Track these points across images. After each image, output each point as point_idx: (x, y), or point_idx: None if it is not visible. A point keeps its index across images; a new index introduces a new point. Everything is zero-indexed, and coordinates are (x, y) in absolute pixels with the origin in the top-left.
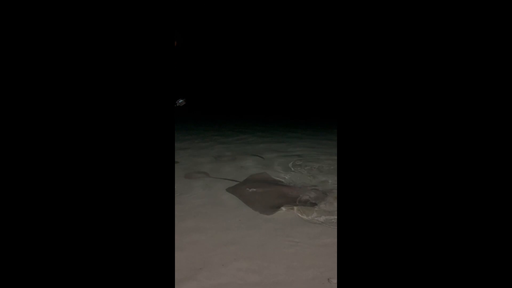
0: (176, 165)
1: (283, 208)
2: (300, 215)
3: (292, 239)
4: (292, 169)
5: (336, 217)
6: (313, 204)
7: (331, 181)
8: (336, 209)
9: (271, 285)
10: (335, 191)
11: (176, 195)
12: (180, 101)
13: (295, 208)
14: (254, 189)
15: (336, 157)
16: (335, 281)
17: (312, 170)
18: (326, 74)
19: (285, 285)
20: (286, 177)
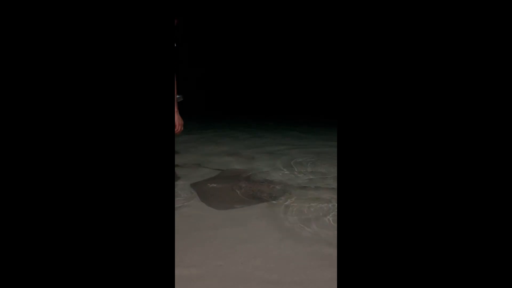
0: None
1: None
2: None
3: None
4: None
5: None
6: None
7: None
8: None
9: None
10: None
11: None
12: (177, 97)
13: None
14: (215, 185)
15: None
16: None
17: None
18: (326, 73)
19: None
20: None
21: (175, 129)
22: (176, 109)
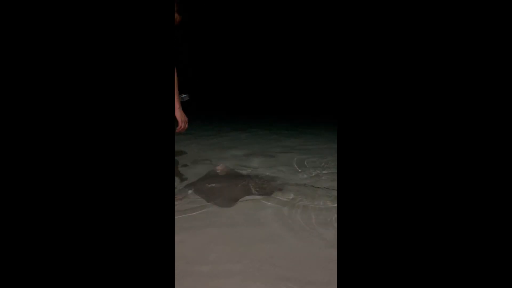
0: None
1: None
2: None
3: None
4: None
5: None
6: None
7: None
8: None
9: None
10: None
11: None
12: (183, 95)
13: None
14: (217, 184)
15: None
16: None
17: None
18: (326, 73)
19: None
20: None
21: (179, 127)
22: (179, 106)
